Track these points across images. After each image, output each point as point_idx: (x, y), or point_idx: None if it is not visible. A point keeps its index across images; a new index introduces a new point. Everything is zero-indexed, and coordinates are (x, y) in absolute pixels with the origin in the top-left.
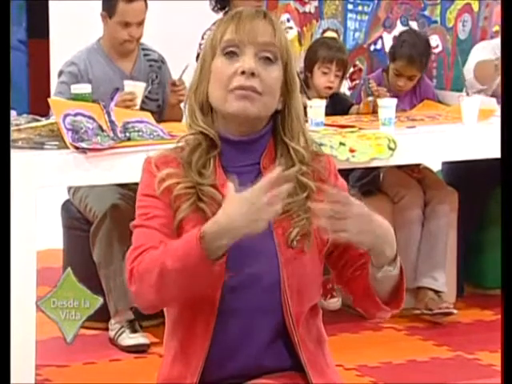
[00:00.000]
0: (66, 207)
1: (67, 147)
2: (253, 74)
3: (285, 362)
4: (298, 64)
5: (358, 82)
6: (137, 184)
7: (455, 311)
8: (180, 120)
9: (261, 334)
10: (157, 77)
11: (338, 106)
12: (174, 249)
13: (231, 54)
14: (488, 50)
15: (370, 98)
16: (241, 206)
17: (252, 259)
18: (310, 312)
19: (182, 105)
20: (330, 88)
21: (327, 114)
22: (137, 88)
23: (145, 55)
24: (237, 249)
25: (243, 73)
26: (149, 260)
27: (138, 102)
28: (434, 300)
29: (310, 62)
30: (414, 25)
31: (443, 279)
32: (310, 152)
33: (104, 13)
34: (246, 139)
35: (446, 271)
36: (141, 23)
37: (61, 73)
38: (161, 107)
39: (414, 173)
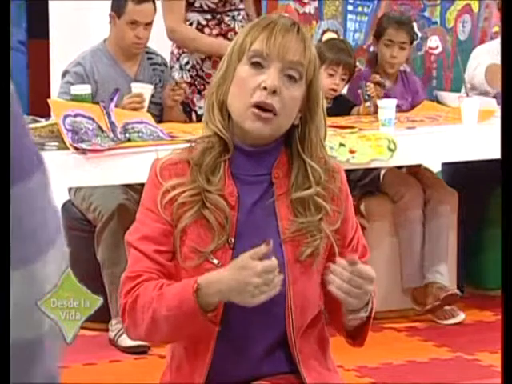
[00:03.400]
0: (66, 208)
1: (67, 148)
2: (274, 92)
3: (284, 368)
4: None
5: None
6: (140, 184)
7: (463, 315)
8: (179, 121)
9: (262, 344)
10: (160, 80)
11: (341, 107)
12: (169, 297)
13: (257, 65)
14: (494, 54)
15: (368, 104)
16: (239, 273)
17: None
18: (312, 320)
19: (180, 106)
20: (334, 90)
21: (331, 114)
22: (144, 90)
23: (148, 58)
24: None
25: (265, 88)
26: (142, 301)
27: (146, 104)
28: (441, 289)
29: None
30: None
31: (447, 273)
32: (327, 170)
33: (113, 13)
34: (259, 150)
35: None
36: (148, 25)
37: (66, 73)
38: (163, 111)
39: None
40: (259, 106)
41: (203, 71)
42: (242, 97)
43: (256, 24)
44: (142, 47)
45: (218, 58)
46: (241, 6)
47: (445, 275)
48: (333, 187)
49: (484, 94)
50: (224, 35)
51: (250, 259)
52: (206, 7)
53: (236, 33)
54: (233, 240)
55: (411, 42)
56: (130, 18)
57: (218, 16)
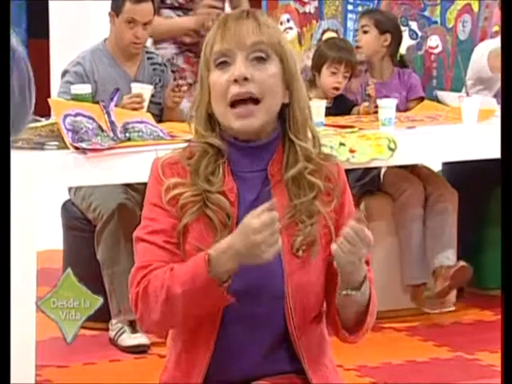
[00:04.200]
0: (66, 207)
1: (67, 147)
2: (246, 79)
3: (285, 367)
4: (300, 63)
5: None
6: (140, 184)
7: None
8: (180, 120)
9: (263, 342)
10: (160, 80)
11: (341, 106)
12: (182, 273)
13: (223, 65)
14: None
15: (366, 104)
16: (242, 235)
17: (258, 269)
18: (313, 318)
19: (181, 106)
20: (337, 89)
21: (331, 114)
22: (144, 90)
23: (149, 58)
24: None
25: (236, 81)
26: (154, 285)
27: (145, 104)
28: (449, 267)
29: (318, 62)
30: (413, 25)
31: (454, 257)
32: (319, 149)
33: (112, 12)
34: (254, 145)
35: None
36: (147, 24)
37: (65, 72)
38: (163, 110)
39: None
40: (236, 101)
41: (178, 66)
42: (220, 99)
43: (212, 29)
44: (141, 47)
45: (191, 53)
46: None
47: (452, 259)
48: (327, 165)
49: (489, 86)
50: (196, 31)
51: (251, 218)
52: (176, 4)
53: (208, 28)
54: None
55: (381, 28)
56: (127, 16)
57: (191, 13)
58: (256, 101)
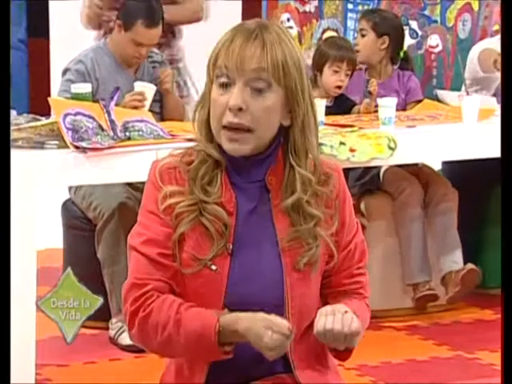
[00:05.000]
0: (67, 206)
1: (67, 147)
2: (240, 109)
3: (282, 368)
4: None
5: None
6: (140, 183)
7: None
8: (181, 120)
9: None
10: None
11: (341, 106)
12: (187, 326)
13: (224, 84)
14: (493, 44)
15: (367, 100)
16: (254, 340)
17: (257, 279)
18: (310, 323)
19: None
20: (339, 87)
21: (332, 113)
22: (146, 89)
23: (148, 57)
24: (242, 268)
25: (231, 109)
26: (155, 320)
27: (147, 103)
28: (458, 272)
29: (319, 61)
30: (414, 24)
31: (461, 259)
32: (319, 174)
33: (120, 22)
34: (253, 159)
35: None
36: (152, 46)
37: (67, 70)
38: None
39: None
40: (230, 127)
41: None
42: (216, 119)
43: (221, 38)
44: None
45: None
46: None
47: (459, 263)
48: (325, 190)
49: (486, 86)
50: None
51: (264, 329)
52: None
53: None
54: (231, 246)
55: (378, 31)
56: (135, 37)
57: None
58: (249, 130)
